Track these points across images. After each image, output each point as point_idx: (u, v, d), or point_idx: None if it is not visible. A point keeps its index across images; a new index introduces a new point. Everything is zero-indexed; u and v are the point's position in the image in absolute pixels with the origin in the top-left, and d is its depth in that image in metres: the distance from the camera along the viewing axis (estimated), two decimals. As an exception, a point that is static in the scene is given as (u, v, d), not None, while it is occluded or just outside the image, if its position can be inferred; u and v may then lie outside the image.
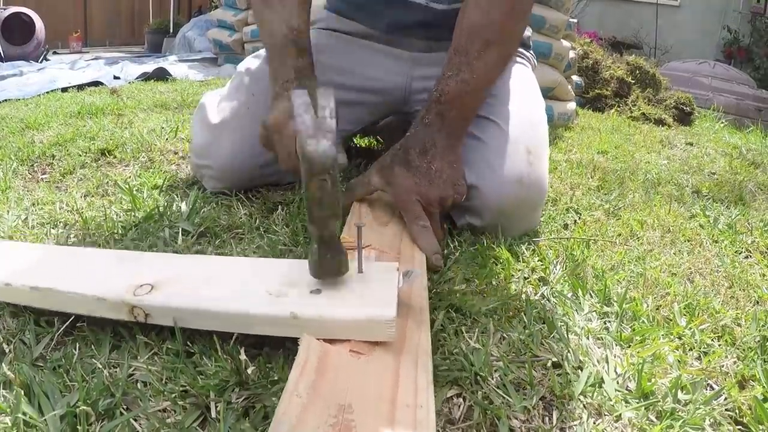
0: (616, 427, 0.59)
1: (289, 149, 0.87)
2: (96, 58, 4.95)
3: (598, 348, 0.73)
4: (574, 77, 3.11)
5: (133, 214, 1.02)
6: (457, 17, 1.08)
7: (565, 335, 0.73)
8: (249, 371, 0.60)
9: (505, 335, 0.73)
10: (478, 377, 0.63)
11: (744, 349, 0.77)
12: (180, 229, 0.95)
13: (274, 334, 0.63)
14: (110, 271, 0.73)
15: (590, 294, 0.87)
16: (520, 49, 1.25)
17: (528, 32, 1.30)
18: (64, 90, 2.84)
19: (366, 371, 0.57)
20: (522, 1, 1.04)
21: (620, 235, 1.16)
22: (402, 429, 0.49)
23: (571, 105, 2.65)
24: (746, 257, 1.14)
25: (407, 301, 0.69)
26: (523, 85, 1.16)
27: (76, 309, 0.68)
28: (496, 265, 0.92)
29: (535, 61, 1.35)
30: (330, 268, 0.69)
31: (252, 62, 1.19)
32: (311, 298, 0.64)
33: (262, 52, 1.21)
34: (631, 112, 3.20)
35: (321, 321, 0.61)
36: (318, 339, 0.59)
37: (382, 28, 1.21)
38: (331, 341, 0.60)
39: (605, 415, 0.61)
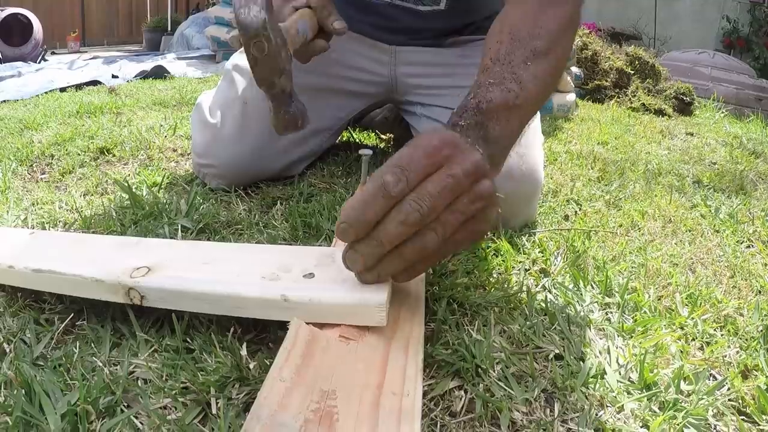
0: (619, 419, 0.59)
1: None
2: (94, 58, 4.95)
3: (600, 339, 0.73)
4: (574, 69, 3.10)
5: (132, 211, 1.01)
6: (428, 17, 1.07)
7: (567, 327, 0.73)
8: (250, 366, 0.60)
9: (506, 327, 0.72)
10: (480, 369, 0.63)
11: (747, 339, 0.77)
12: (179, 226, 0.95)
13: (265, 318, 0.63)
14: (109, 255, 0.74)
15: (591, 285, 0.87)
16: None
17: None
18: (63, 90, 2.84)
19: (354, 357, 0.56)
20: (573, 12, 0.88)
21: (621, 225, 1.15)
22: (385, 417, 0.48)
23: (571, 96, 2.65)
24: (748, 247, 1.14)
25: (402, 288, 0.69)
26: None
27: (75, 291, 0.69)
28: (497, 257, 0.92)
29: None
30: (287, 121, 0.83)
31: (240, 58, 1.20)
32: (303, 282, 0.64)
33: None
34: (631, 103, 3.19)
35: (311, 304, 0.60)
36: (308, 323, 0.59)
37: (356, 28, 1.21)
38: (321, 326, 0.60)
39: (607, 406, 0.60)
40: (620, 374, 0.66)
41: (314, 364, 0.54)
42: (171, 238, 0.92)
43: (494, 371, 0.63)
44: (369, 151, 0.66)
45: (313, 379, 0.51)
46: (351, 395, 0.50)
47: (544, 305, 0.78)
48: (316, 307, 0.60)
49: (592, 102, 3.26)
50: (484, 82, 0.77)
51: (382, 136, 1.57)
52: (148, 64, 3.96)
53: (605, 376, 0.64)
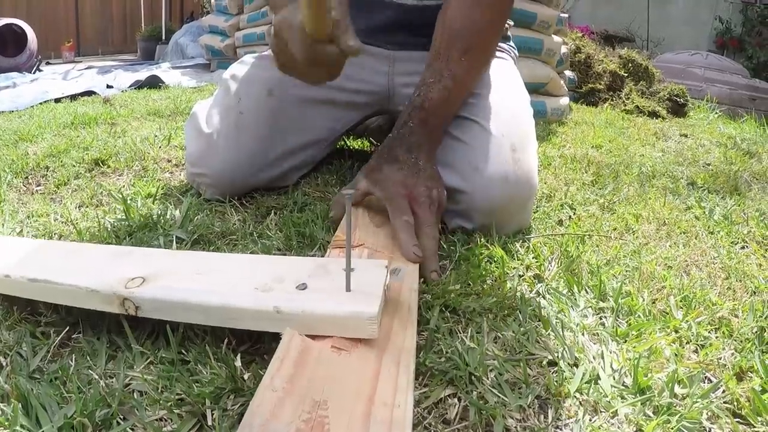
0: (612, 424, 0.59)
1: (301, 38, 0.83)
2: (89, 68, 4.95)
3: (594, 344, 0.73)
4: (567, 72, 3.11)
5: (127, 223, 1.02)
6: (431, 12, 1.09)
7: (561, 332, 0.73)
8: (245, 377, 0.60)
9: (499, 334, 0.72)
10: (473, 377, 0.63)
11: (741, 341, 0.77)
12: (174, 237, 0.95)
13: (258, 329, 0.63)
14: (105, 264, 0.74)
15: (585, 290, 0.87)
16: (500, 43, 1.25)
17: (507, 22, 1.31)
18: (58, 101, 2.84)
19: (346, 368, 0.57)
20: (503, 9, 1.08)
21: (615, 229, 1.16)
22: (377, 427, 0.48)
23: (564, 100, 2.66)
24: (742, 248, 1.14)
25: (396, 299, 0.69)
26: (503, 80, 1.16)
27: (71, 301, 0.69)
28: (491, 263, 0.92)
29: (516, 52, 1.35)
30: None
31: (237, 68, 1.20)
32: (296, 293, 0.64)
33: (246, 58, 1.23)
34: (625, 106, 3.20)
35: (303, 316, 0.61)
36: (301, 334, 0.59)
37: (359, 31, 1.22)
38: (313, 337, 0.60)
39: (601, 411, 0.60)
40: (614, 379, 0.66)
41: (306, 375, 0.54)
42: (166, 249, 0.92)
43: (488, 378, 0.63)
44: (352, 191, 0.68)
45: (304, 389, 0.52)
46: (342, 405, 0.50)
47: (537, 311, 0.78)
48: (308, 318, 0.61)
49: (586, 105, 3.27)
50: (427, 79, 1.00)
51: (377, 144, 1.57)
52: (143, 74, 3.96)
53: (599, 381, 0.64)
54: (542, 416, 0.60)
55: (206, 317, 0.64)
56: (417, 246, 0.86)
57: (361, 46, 0.83)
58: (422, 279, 0.83)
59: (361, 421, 0.49)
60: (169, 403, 0.57)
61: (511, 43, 1.33)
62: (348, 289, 0.64)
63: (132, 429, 0.55)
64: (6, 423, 0.55)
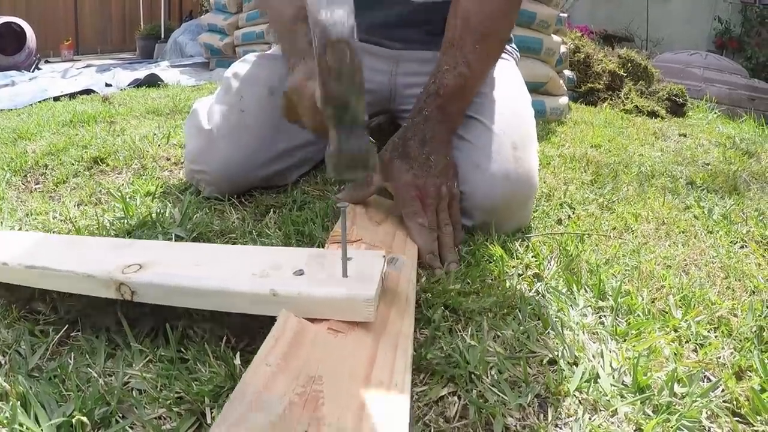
0: (612, 422, 0.59)
1: (312, 108, 0.80)
2: (88, 66, 4.94)
3: (594, 343, 0.73)
4: (566, 72, 3.11)
5: (126, 221, 1.02)
6: (440, 8, 1.09)
7: (560, 331, 0.73)
8: (244, 376, 0.60)
9: (499, 333, 0.72)
10: (473, 375, 0.63)
11: (740, 340, 0.77)
12: (173, 236, 0.95)
13: (255, 313, 0.63)
14: (103, 254, 0.74)
15: (585, 289, 0.87)
16: None
17: None
18: (56, 99, 2.83)
19: (342, 348, 0.57)
20: None
21: (614, 228, 1.16)
22: (373, 403, 0.48)
23: (564, 99, 2.65)
24: (741, 247, 1.14)
25: (393, 289, 0.69)
26: (506, 80, 1.16)
27: (67, 287, 0.69)
28: (490, 262, 0.92)
29: (518, 54, 1.35)
30: (353, 159, 0.64)
31: (239, 66, 1.20)
32: (293, 278, 0.64)
33: (249, 56, 1.22)
34: (624, 105, 3.19)
35: (300, 298, 0.61)
36: (297, 316, 0.59)
37: (363, 28, 1.22)
38: (311, 320, 0.60)
39: (601, 410, 0.60)
40: (614, 378, 0.66)
41: (301, 355, 0.53)
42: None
43: (488, 377, 0.63)
44: (346, 204, 0.67)
45: (300, 366, 0.51)
46: (338, 382, 0.50)
47: (537, 310, 0.78)
48: (305, 301, 0.61)
49: (585, 105, 3.27)
50: (442, 67, 1.00)
51: (377, 144, 1.57)
52: (142, 72, 3.95)
53: (599, 380, 0.65)
54: (542, 415, 0.60)
55: (203, 301, 0.63)
56: (432, 254, 0.90)
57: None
58: (423, 277, 0.83)
59: (357, 395, 0.49)
60: (168, 402, 0.57)
61: (513, 45, 1.34)
62: (345, 275, 0.64)
63: (131, 427, 0.55)
64: (5, 421, 0.54)
